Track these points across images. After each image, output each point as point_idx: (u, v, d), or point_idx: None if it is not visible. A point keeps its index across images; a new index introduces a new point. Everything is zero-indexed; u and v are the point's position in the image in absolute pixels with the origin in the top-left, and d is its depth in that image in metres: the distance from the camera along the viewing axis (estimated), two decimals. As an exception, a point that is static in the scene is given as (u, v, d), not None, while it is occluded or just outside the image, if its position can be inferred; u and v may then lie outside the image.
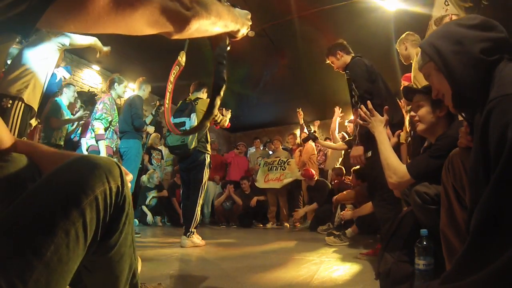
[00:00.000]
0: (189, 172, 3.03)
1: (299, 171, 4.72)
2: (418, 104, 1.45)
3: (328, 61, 2.51)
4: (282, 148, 5.66)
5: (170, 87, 0.75)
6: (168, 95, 0.76)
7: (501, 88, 0.74)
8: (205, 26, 0.58)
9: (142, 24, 0.47)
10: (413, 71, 2.58)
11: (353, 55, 2.39)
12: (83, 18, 0.40)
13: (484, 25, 0.88)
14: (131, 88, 6.24)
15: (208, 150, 3.04)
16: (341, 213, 3.18)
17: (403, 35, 2.75)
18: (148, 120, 3.80)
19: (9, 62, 2.33)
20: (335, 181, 4.34)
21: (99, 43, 2.65)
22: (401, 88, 2.79)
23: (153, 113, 3.94)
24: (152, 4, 0.46)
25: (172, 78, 0.75)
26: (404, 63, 2.80)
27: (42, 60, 2.20)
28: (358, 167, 3.07)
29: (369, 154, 2.07)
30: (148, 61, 5.14)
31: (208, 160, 3.00)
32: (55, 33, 2.22)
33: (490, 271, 0.61)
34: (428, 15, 2.90)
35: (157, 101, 4.21)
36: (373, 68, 2.21)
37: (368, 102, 1.65)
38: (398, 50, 2.79)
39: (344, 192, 3.61)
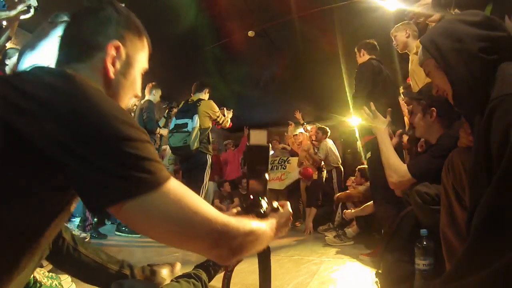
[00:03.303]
0: (190, 172, 3.02)
1: (299, 170, 4.68)
2: (412, 110, 1.51)
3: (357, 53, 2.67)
4: (282, 149, 5.65)
5: None
6: None
7: (503, 88, 0.73)
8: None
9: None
10: (410, 64, 2.45)
11: (372, 56, 2.47)
12: None
13: (485, 23, 0.86)
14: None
15: (210, 151, 3.03)
16: (344, 211, 3.12)
17: (406, 22, 2.51)
18: (161, 122, 3.83)
19: (7, 62, 2.30)
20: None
21: None
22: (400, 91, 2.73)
23: (165, 115, 3.99)
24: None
25: None
26: (400, 51, 2.62)
27: (40, 58, 2.16)
28: (363, 166, 3.05)
29: (369, 154, 2.08)
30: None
31: (209, 161, 2.99)
32: (53, 25, 2.13)
33: (491, 271, 0.61)
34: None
35: (167, 104, 4.27)
36: (381, 70, 2.27)
37: (371, 103, 1.66)
38: (397, 36, 2.55)
39: (348, 191, 3.58)
